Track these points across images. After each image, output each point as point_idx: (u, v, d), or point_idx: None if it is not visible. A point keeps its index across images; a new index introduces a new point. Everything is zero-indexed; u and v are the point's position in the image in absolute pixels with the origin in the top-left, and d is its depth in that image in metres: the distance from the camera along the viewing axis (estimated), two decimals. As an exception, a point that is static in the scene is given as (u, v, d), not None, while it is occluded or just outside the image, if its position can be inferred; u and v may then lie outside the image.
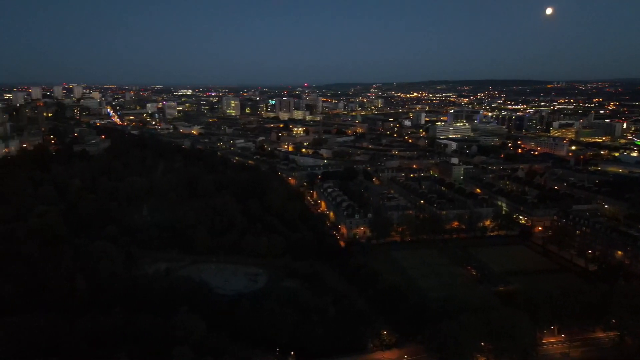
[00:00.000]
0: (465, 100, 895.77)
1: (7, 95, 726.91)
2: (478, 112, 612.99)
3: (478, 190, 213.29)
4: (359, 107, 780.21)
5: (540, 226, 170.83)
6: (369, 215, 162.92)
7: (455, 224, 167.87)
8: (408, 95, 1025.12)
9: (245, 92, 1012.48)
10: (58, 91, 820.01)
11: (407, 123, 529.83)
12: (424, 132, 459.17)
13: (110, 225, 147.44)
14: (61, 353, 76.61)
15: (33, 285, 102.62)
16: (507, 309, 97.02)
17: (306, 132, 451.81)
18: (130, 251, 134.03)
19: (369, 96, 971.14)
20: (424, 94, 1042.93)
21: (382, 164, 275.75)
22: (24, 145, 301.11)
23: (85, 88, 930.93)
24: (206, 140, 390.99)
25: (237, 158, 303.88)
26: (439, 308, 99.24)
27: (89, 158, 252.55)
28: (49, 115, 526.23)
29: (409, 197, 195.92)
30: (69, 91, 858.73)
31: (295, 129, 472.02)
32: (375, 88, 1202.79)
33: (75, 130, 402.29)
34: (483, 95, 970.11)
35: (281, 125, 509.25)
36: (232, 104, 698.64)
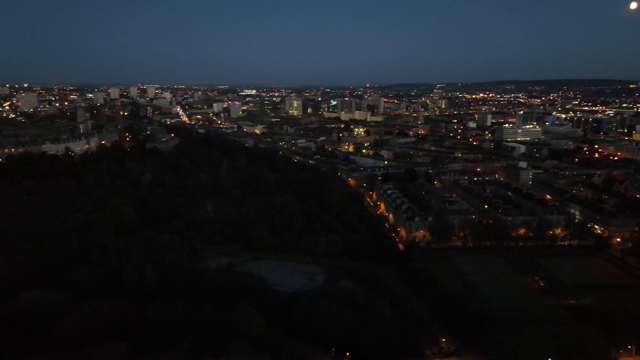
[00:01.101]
0: (537, 101, 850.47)
1: (89, 95, 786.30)
2: (550, 114, 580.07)
3: (548, 196, 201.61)
4: (421, 108, 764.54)
5: (619, 237, 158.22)
6: (430, 219, 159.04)
7: (522, 231, 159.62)
8: (473, 96, 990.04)
9: (307, 93, 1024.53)
10: (133, 91, 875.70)
11: (472, 125, 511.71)
12: (489, 135, 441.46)
13: (177, 219, 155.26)
14: (130, 338, 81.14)
15: (108, 273, 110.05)
16: (578, 324, 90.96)
17: (367, 132, 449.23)
18: (194, 245, 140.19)
19: (432, 97, 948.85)
20: (490, 95, 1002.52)
21: (445, 167, 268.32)
22: (103, 142, 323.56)
23: (157, 88, 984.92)
24: (268, 139, 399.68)
25: (298, 157, 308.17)
26: (502, 318, 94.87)
27: (159, 155, 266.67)
28: (125, 114, 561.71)
29: (472, 202, 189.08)
30: (143, 91, 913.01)
31: (356, 129, 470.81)
32: (439, 88, 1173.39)
33: (148, 128, 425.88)
34: (556, 96, 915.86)
35: (342, 126, 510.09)
36: (295, 104, 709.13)
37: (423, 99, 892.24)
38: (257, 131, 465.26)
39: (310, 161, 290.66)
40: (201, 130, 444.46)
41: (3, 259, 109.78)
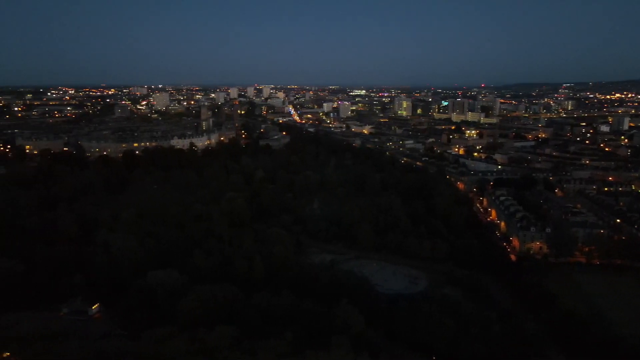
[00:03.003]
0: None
1: (212, 95, 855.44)
2: None
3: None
4: (543, 109, 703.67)
5: None
6: (548, 230, 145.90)
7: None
8: (608, 97, 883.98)
9: (417, 93, 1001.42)
10: (250, 91, 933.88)
11: (605, 128, 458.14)
12: (626, 140, 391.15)
13: (285, 214, 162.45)
14: (238, 323, 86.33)
15: (221, 260, 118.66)
16: None
17: (480, 135, 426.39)
18: (300, 240, 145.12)
19: (556, 97, 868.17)
20: (629, 95, 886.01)
21: (568, 174, 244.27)
22: (221, 138, 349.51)
23: (272, 88, 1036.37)
24: (376, 139, 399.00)
25: (405, 159, 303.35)
26: (635, 347, 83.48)
27: (271, 152, 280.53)
28: (242, 112, 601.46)
29: (601, 214, 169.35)
30: (259, 91, 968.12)
31: (468, 131, 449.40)
32: (565, 88, 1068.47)
33: (262, 126, 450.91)
34: None
35: (453, 127, 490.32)
36: (404, 104, 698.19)
37: (545, 99, 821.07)
38: (365, 131, 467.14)
39: (417, 163, 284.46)
40: (311, 129, 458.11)
41: (137, 241, 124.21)
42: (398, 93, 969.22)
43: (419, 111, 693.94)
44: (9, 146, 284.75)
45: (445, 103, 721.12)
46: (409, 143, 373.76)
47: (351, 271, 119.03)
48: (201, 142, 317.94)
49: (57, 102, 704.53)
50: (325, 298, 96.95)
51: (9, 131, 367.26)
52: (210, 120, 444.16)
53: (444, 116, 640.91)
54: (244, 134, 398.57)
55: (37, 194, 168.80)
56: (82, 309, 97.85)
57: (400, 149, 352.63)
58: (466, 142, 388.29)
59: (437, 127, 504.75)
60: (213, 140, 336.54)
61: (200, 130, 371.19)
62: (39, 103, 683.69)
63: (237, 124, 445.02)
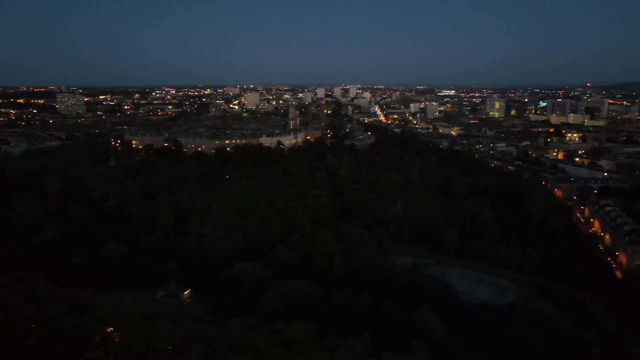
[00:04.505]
0: None
1: (299, 95, 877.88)
2: None
3: None
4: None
5: None
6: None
7: None
8: None
9: (512, 94, 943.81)
10: (337, 91, 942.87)
11: None
12: None
13: (367, 214, 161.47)
14: (317, 318, 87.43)
15: (303, 256, 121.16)
16: None
17: (583, 138, 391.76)
18: (381, 241, 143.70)
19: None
20: None
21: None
22: (308, 137, 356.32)
23: (358, 88, 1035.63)
24: (464, 141, 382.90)
25: (495, 162, 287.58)
26: None
27: (355, 152, 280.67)
28: (328, 112, 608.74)
29: None
30: (346, 91, 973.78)
31: (569, 134, 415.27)
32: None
33: (347, 126, 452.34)
34: None
35: (551, 130, 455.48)
36: (496, 105, 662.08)
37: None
38: (453, 132, 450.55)
39: (509, 167, 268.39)
40: (396, 130, 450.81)
41: (226, 233, 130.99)
42: (490, 93, 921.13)
43: (512, 112, 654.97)
44: (119, 141, 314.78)
45: (544, 104, 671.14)
46: (501, 146, 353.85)
47: (433, 276, 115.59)
48: (288, 141, 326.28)
49: (160, 101, 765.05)
50: (405, 301, 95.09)
51: (119, 127, 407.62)
52: (298, 119, 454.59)
53: (542, 118, 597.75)
54: (329, 133, 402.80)
55: (141, 185, 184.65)
56: (175, 294, 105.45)
57: (491, 151, 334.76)
58: (566, 146, 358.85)
59: (533, 129, 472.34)
60: (299, 139, 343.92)
61: (288, 129, 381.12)
62: (145, 102, 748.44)
63: (323, 123, 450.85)
